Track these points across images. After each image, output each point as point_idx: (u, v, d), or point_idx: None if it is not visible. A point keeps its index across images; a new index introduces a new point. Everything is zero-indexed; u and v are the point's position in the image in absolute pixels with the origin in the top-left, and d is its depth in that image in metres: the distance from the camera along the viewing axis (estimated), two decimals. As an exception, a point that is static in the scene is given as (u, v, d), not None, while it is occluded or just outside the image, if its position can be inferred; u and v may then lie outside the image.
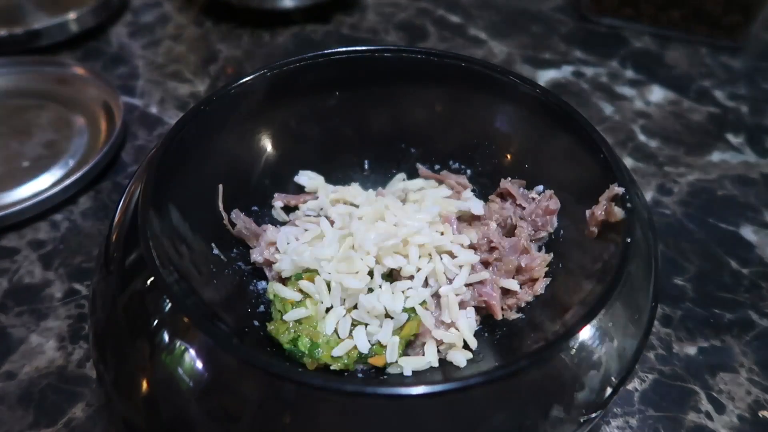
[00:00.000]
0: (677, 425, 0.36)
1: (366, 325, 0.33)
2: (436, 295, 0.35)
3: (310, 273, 0.35)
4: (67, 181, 0.47)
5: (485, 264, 0.37)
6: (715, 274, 0.45)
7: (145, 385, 0.28)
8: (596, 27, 0.69)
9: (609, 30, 0.69)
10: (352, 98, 0.43)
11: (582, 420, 0.28)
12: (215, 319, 0.31)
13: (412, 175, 0.43)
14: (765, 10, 0.57)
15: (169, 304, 0.28)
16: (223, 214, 0.38)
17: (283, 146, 0.42)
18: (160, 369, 0.27)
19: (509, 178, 0.40)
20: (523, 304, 0.35)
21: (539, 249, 0.38)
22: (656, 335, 0.41)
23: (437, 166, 0.44)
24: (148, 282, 0.29)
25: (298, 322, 0.33)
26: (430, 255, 0.36)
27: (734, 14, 0.57)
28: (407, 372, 0.32)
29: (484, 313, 0.36)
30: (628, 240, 0.31)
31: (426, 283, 0.35)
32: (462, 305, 0.35)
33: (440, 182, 0.42)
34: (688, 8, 0.59)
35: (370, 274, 0.34)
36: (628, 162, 0.54)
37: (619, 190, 0.33)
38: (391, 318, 0.33)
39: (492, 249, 0.37)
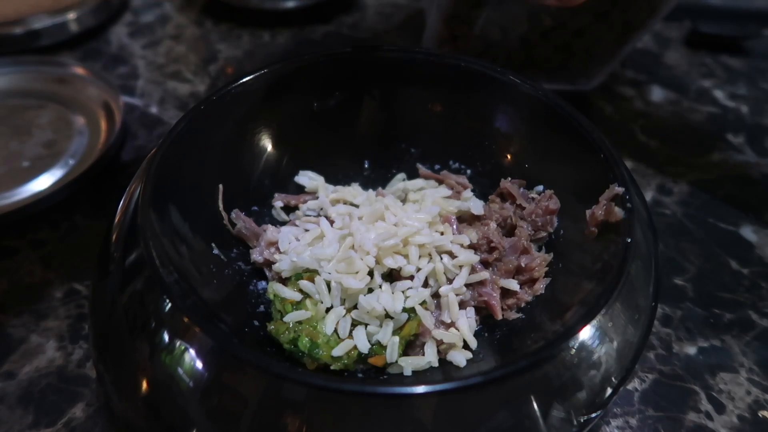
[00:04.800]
0: (677, 425, 0.36)
1: (366, 325, 0.33)
2: (436, 295, 0.35)
3: (310, 273, 0.35)
4: (67, 181, 0.46)
5: (485, 264, 0.37)
6: (715, 274, 0.45)
7: (145, 385, 0.28)
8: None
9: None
10: (352, 98, 0.43)
11: (582, 420, 0.28)
12: (215, 319, 0.30)
13: (412, 175, 0.43)
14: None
15: (169, 304, 0.28)
16: (223, 214, 0.38)
17: (283, 146, 0.42)
18: (160, 369, 0.28)
19: (509, 178, 0.40)
20: (523, 304, 0.35)
21: (539, 249, 0.38)
22: (656, 335, 0.41)
23: (437, 166, 0.44)
24: (148, 282, 0.29)
25: (298, 322, 0.33)
26: (430, 255, 0.36)
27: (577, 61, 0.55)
28: (407, 372, 0.32)
29: (484, 313, 0.36)
30: (628, 240, 0.31)
31: (426, 283, 0.35)
32: (462, 305, 0.35)
33: (440, 182, 0.42)
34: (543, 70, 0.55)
35: (370, 274, 0.34)
36: (628, 162, 0.54)
37: (619, 190, 0.33)
38: (391, 318, 0.33)
39: (492, 249, 0.37)
